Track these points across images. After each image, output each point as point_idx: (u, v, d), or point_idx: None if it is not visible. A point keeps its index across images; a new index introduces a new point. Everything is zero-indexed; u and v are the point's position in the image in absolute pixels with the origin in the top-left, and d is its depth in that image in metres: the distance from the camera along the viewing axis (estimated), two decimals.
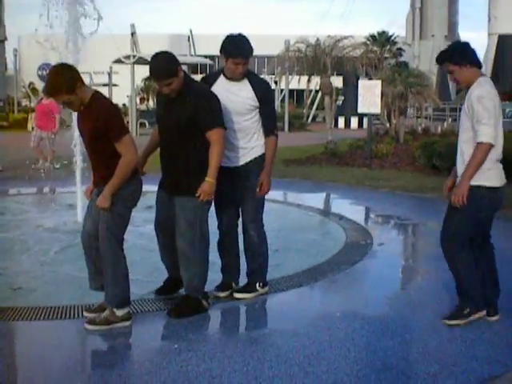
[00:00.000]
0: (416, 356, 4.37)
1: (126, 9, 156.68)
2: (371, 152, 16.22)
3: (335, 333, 4.74)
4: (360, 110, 16.09)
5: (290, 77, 32.74)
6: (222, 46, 5.19)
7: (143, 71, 32.37)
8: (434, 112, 33.02)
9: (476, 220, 4.85)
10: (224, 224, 5.55)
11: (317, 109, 41.29)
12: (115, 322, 4.78)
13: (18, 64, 42.94)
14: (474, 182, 4.72)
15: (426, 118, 31.56)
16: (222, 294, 5.51)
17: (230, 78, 5.27)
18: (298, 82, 26.36)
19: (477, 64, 4.88)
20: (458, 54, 4.89)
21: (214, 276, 5.51)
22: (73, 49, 8.39)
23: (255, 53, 5.29)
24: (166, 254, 5.39)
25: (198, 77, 5.81)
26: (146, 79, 42.63)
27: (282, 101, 36.55)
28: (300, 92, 47.41)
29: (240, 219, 5.56)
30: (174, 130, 4.97)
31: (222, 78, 5.31)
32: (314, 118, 40.90)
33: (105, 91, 28.76)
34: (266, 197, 5.50)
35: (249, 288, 5.57)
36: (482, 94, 4.70)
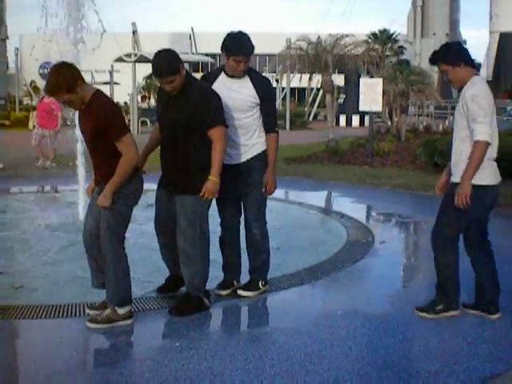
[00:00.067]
0: (417, 354, 4.37)
1: (127, 7, 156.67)
2: (373, 150, 16.21)
3: (337, 331, 4.74)
4: (361, 108, 16.08)
5: (292, 75, 32.70)
6: (223, 43, 5.19)
7: (145, 69, 32.43)
8: (436, 110, 33.01)
9: (469, 218, 4.87)
10: (226, 221, 5.55)
11: (318, 107, 41.22)
12: (117, 321, 4.79)
13: (19, 63, 42.92)
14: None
15: (427, 115, 31.53)
16: (223, 292, 5.51)
17: (231, 76, 5.27)
18: (299, 81, 26.37)
19: (470, 63, 4.89)
20: (450, 54, 4.90)
21: (216, 274, 5.51)
22: (74, 47, 8.40)
23: (256, 51, 5.30)
24: (166, 253, 5.39)
25: (199, 75, 5.81)
26: (148, 77, 42.62)
27: (284, 99, 36.48)
28: (301, 90, 47.34)
29: (242, 216, 5.56)
30: (174, 128, 4.97)
31: (222, 76, 5.31)
32: (315, 117, 40.84)
33: (106, 90, 28.81)
34: None
35: (252, 286, 5.57)
36: (477, 92, 4.73)
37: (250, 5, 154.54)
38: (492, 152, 4.78)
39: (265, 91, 5.31)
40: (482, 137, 4.64)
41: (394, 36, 39.88)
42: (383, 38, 38.64)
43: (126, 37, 34.53)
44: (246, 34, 5.21)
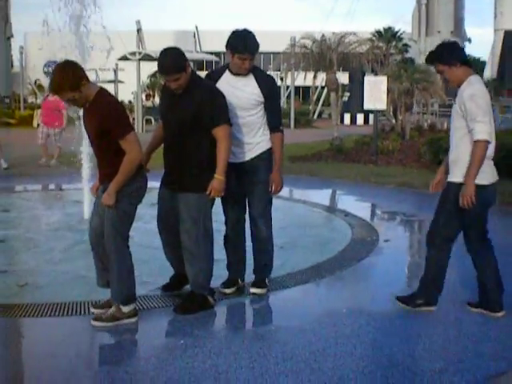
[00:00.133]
0: (422, 353, 4.37)
1: (131, 5, 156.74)
2: (377, 148, 16.19)
3: (341, 329, 4.74)
4: (366, 106, 16.07)
5: (296, 73, 32.69)
6: (228, 41, 5.19)
7: (149, 68, 32.44)
8: (440, 108, 32.94)
9: (468, 217, 4.89)
10: (231, 220, 5.55)
11: (323, 105, 41.20)
12: (121, 319, 4.79)
13: (24, 61, 42.96)
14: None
15: (432, 114, 31.49)
16: (228, 291, 5.51)
17: (235, 74, 5.26)
18: (303, 79, 26.32)
19: (466, 63, 4.89)
20: (447, 54, 4.91)
21: (220, 272, 5.52)
22: (79, 46, 8.41)
23: (261, 49, 5.29)
24: (169, 251, 5.39)
25: (203, 73, 5.80)
26: (152, 76, 42.61)
27: (288, 97, 36.47)
28: (306, 89, 47.33)
29: (247, 215, 5.56)
30: (179, 127, 4.97)
31: (227, 74, 5.31)
32: (319, 115, 40.81)
33: (111, 88, 28.82)
34: None
35: (262, 283, 5.58)
36: (474, 92, 4.76)
37: (254, 3, 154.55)
38: (489, 151, 4.80)
39: (269, 89, 5.30)
40: (482, 136, 4.67)
41: (398, 34, 39.89)
42: (388, 36, 38.65)
43: (130, 35, 34.54)
44: (250, 32, 5.21)
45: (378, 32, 39.14)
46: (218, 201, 5.26)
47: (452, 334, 4.72)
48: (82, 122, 4.97)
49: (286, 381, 3.91)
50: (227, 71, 5.32)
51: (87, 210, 8.35)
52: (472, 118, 4.69)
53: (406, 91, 21.20)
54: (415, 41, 53.55)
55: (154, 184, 5.21)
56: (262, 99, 5.25)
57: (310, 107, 40.10)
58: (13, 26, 45.05)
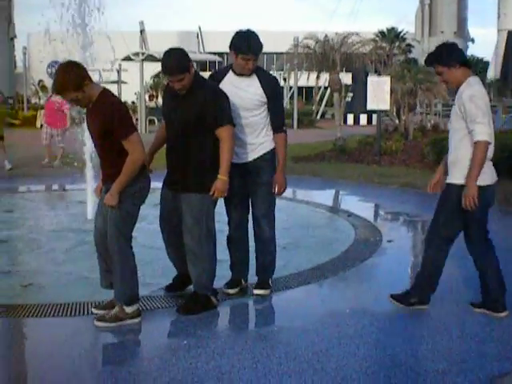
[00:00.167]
0: (425, 353, 4.37)
1: (135, 6, 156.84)
2: (380, 149, 16.19)
3: (344, 330, 4.74)
4: (369, 106, 16.08)
5: (299, 73, 32.68)
6: (231, 41, 5.19)
7: (152, 68, 32.47)
8: (444, 108, 32.93)
9: (467, 218, 4.89)
10: (234, 220, 5.55)
11: (326, 105, 41.22)
12: (125, 319, 4.79)
13: (27, 62, 43.02)
14: (464, 182, 4.77)
15: (435, 114, 31.47)
16: (231, 291, 5.51)
17: (238, 74, 5.27)
18: (306, 79, 26.31)
19: (465, 64, 4.89)
20: (446, 55, 4.91)
21: (224, 273, 5.51)
22: (82, 46, 8.42)
23: (264, 49, 5.29)
24: (172, 251, 5.39)
25: (206, 74, 5.81)
26: (155, 76, 42.65)
27: (291, 98, 36.48)
28: (309, 89, 47.31)
29: (250, 215, 5.55)
30: (182, 127, 4.97)
31: (230, 74, 5.31)
32: (322, 115, 40.83)
33: (114, 89, 28.82)
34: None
35: (265, 284, 5.57)
36: (473, 93, 4.77)
37: (257, 3, 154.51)
38: (489, 152, 4.80)
39: (272, 90, 5.30)
40: (482, 137, 4.67)
41: (401, 34, 39.88)
42: (391, 36, 38.65)
43: (133, 36, 34.61)
44: (254, 33, 5.21)
45: (382, 32, 39.14)
46: (220, 201, 5.26)
47: (455, 334, 4.71)
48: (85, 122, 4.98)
49: (289, 381, 3.91)
50: (230, 72, 5.32)
51: (90, 211, 8.36)
52: (472, 119, 4.69)
53: (410, 91, 21.19)
54: (418, 41, 53.47)
55: (156, 184, 5.21)
56: (265, 100, 5.25)
57: (313, 107, 40.08)
58: (16, 26, 45.10)
